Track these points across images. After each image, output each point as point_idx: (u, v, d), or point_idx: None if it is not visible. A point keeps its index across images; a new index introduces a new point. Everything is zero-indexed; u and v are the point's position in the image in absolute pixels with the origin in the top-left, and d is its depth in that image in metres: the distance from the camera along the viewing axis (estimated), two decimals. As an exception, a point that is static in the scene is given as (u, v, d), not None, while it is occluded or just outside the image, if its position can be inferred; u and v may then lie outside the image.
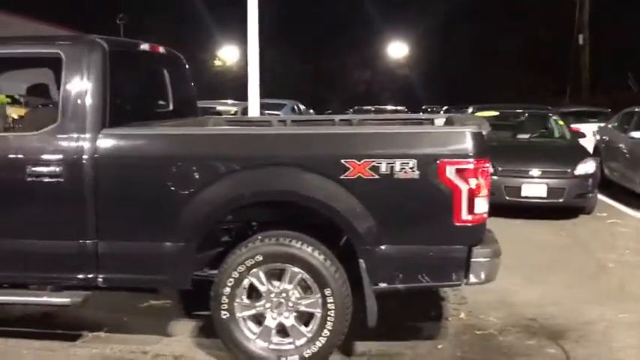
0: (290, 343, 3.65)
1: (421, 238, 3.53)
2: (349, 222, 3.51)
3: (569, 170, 8.20)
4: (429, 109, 31.56)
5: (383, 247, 3.52)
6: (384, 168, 3.45)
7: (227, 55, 51.48)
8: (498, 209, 8.42)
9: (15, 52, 3.98)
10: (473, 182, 3.43)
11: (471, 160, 3.43)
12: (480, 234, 3.57)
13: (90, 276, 3.73)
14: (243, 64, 50.77)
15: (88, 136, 3.67)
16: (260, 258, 3.60)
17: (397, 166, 3.44)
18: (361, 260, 3.53)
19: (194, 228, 3.60)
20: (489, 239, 3.76)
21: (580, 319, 4.58)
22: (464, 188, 3.43)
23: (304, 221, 3.72)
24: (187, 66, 5.14)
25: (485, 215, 3.57)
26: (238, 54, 51.39)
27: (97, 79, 3.74)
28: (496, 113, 10.25)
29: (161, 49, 4.65)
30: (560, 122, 9.92)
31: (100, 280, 3.74)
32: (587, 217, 8.56)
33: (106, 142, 3.65)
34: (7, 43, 4.01)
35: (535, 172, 8.21)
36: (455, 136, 3.51)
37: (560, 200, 8.13)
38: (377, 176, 3.46)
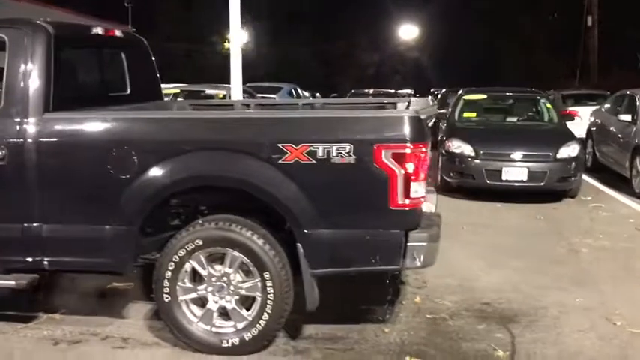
0: (232, 327, 3.68)
1: (358, 222, 3.53)
2: (286, 206, 3.52)
3: (550, 154, 8.14)
4: (437, 93, 31.31)
5: (320, 231, 3.52)
6: (320, 152, 3.44)
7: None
8: (479, 193, 8.47)
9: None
10: (409, 167, 3.41)
11: (408, 144, 3.41)
12: (416, 218, 3.56)
13: (36, 259, 3.77)
14: (251, 47, 50.84)
15: (30, 120, 3.69)
16: (200, 242, 3.62)
17: (334, 151, 3.43)
18: (299, 244, 3.54)
19: (134, 212, 3.62)
20: (431, 223, 3.76)
21: (536, 304, 4.57)
22: (400, 173, 3.41)
23: (253, 205, 3.73)
24: (149, 49, 5.14)
25: (423, 200, 3.55)
26: (247, 36, 51.39)
27: (39, 63, 3.75)
28: (484, 96, 10.17)
29: (117, 33, 4.64)
30: (549, 105, 9.82)
31: (46, 262, 3.79)
32: (570, 201, 8.52)
33: (46, 126, 3.68)
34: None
35: (516, 155, 8.17)
36: (391, 121, 3.49)
37: (541, 184, 8.08)
38: (314, 161, 3.45)
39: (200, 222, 3.67)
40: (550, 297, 4.71)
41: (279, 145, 3.46)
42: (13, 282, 3.78)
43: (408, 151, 3.41)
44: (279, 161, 3.47)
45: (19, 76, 3.74)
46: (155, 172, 3.57)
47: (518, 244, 6.27)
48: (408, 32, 52.95)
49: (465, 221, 7.22)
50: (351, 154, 3.43)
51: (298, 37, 49.39)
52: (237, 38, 8.55)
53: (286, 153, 3.46)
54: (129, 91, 4.81)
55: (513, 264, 5.57)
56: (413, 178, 3.44)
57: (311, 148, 3.44)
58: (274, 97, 15.63)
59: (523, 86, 12.24)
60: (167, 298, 3.68)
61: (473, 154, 8.27)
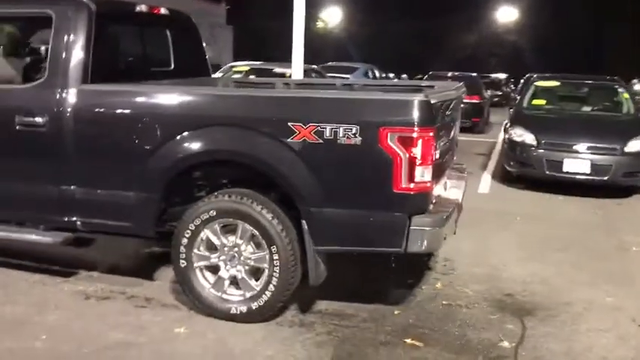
0: (240, 295, 3.85)
1: (362, 203, 3.58)
2: (292, 184, 3.62)
3: (618, 147, 7.73)
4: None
5: (325, 209, 3.60)
6: (328, 133, 3.51)
7: (329, 16, 51.87)
8: (541, 184, 8.19)
9: (8, 11, 4.34)
10: (414, 151, 3.41)
11: (414, 128, 3.41)
12: (421, 203, 3.55)
13: (70, 219, 4.10)
14: (345, 26, 50.77)
15: (69, 90, 3.98)
16: (214, 213, 3.80)
17: (340, 132, 3.48)
18: (304, 221, 3.64)
19: (154, 181, 3.85)
20: (442, 210, 3.74)
21: (560, 299, 4.43)
22: (404, 156, 3.42)
23: (267, 182, 3.84)
24: (196, 27, 5.36)
25: (429, 185, 3.54)
26: (341, 15, 51.44)
27: (81, 38, 4.03)
28: (557, 83, 9.74)
29: (162, 11, 4.87)
30: (626, 96, 9.26)
31: (79, 223, 4.11)
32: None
33: (83, 97, 3.96)
34: (2, 2, 4.37)
35: (580, 146, 7.81)
36: (398, 104, 3.49)
37: (605, 178, 7.69)
38: (321, 140, 3.52)
39: (215, 194, 3.85)
40: (579, 293, 4.56)
41: (289, 124, 3.55)
42: (50, 239, 4.13)
43: (413, 134, 3.41)
44: (288, 139, 3.57)
45: (62, 50, 4.04)
46: (174, 144, 3.77)
47: (566, 238, 6.04)
48: (506, 14, 50.99)
49: (520, 212, 7.05)
50: (357, 135, 3.47)
51: (392, 17, 48.85)
52: (300, 17, 8.64)
53: (295, 132, 3.55)
54: (172, 66, 5.06)
55: (554, 257, 5.41)
56: (418, 162, 3.44)
57: (319, 128, 3.51)
58: (348, 77, 15.68)
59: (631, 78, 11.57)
60: (183, 263, 3.90)
61: (534, 142, 7.99)
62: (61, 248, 4.43)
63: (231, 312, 3.83)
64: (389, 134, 3.42)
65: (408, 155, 3.42)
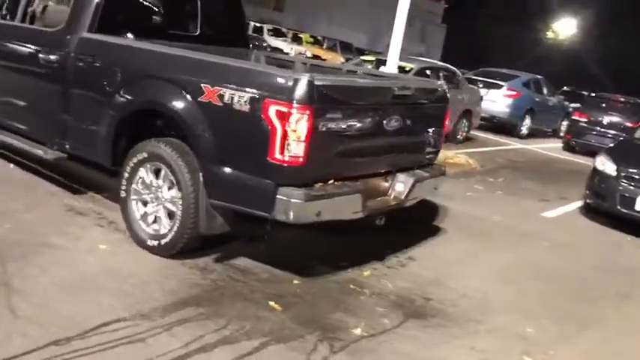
0: (156, 231, 4.40)
1: (244, 166, 3.90)
2: (197, 139, 4.05)
3: None
4: None
5: (216, 167, 3.99)
6: (226, 97, 3.88)
7: (561, 27, 49.40)
8: (615, 219, 7.39)
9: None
10: (288, 125, 3.64)
11: (290, 104, 3.63)
12: (290, 175, 3.77)
13: (62, 142, 4.98)
14: (577, 40, 47.57)
15: (75, 36, 4.83)
16: (145, 155, 4.38)
17: (235, 98, 3.84)
18: (200, 174, 4.06)
19: (110, 121, 4.53)
20: (330, 190, 3.90)
21: (476, 318, 4.27)
22: (279, 129, 3.67)
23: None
24: (237, 1, 5.91)
25: (301, 159, 3.72)
26: (575, 28, 48.33)
27: (92, -5, 4.84)
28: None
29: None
30: None
31: (68, 146, 4.97)
32: None
33: (81, 43, 4.78)
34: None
35: (659, 185, 6.90)
36: (281, 79, 3.73)
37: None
38: (221, 104, 3.91)
39: (150, 140, 4.42)
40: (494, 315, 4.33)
41: (201, 85, 3.99)
42: (49, 156, 5.04)
43: (288, 110, 3.64)
44: (199, 98, 4.00)
45: (80, 2, 4.90)
46: (123, 92, 4.42)
47: (572, 275, 5.58)
48: None
49: (559, 240, 6.56)
50: (247, 103, 3.79)
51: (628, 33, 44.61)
52: (403, 13, 8.77)
53: (204, 92, 3.97)
54: (198, 32, 5.69)
55: (528, 287, 5.07)
56: (291, 137, 3.67)
57: (221, 92, 3.90)
58: (502, 85, 15.12)
59: None
60: (123, 194, 4.54)
61: (614, 173, 7.23)
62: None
63: (147, 243, 4.39)
64: (270, 106, 3.70)
65: (282, 129, 3.66)
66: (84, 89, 4.77)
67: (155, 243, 4.35)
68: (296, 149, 3.69)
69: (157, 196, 4.39)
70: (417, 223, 6.31)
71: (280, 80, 3.74)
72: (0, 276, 3.74)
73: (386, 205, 4.61)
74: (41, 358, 3.01)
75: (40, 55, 4.99)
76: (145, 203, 4.48)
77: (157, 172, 4.38)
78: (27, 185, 5.50)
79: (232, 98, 3.84)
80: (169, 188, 4.30)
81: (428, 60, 14.46)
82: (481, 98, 13.34)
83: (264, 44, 23.84)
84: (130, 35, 5.00)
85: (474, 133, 14.43)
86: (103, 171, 5.24)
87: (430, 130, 4.94)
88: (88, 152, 4.84)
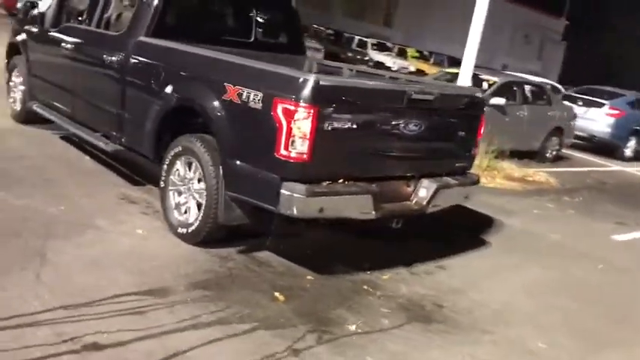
0: (186, 220, 4.70)
1: (256, 161, 4.11)
2: (219, 135, 4.32)
3: None
4: None
5: (234, 161, 4.23)
6: (244, 95, 4.12)
7: None
8: None
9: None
10: (293, 123, 3.81)
11: (297, 103, 3.80)
12: (297, 171, 3.92)
13: (118, 135, 5.46)
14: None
15: (133, 40, 5.29)
16: (180, 149, 4.72)
17: (251, 96, 4.07)
18: (220, 167, 4.31)
19: (155, 117, 4.92)
20: (337, 188, 4.01)
21: (480, 328, 4.18)
22: (285, 126, 3.85)
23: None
24: (292, 10, 6.18)
25: (305, 156, 3.87)
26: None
27: (154, 1, 5.28)
28: None
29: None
30: None
31: (124, 140, 5.44)
32: None
33: (136, 46, 5.23)
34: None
35: None
36: (289, 79, 3.91)
37: None
38: (239, 102, 4.15)
39: (186, 135, 4.74)
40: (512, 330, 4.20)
41: (224, 84, 4.26)
42: (102, 144, 5.55)
43: (294, 108, 3.81)
44: (222, 97, 4.27)
45: (140, 8, 5.37)
46: (165, 91, 4.79)
47: (614, 299, 5.28)
48: None
49: (625, 268, 6.17)
50: (260, 101, 4.01)
51: None
52: (479, 25, 8.65)
53: (227, 91, 4.24)
54: (252, 39, 6.01)
55: (557, 304, 4.86)
56: (295, 134, 3.84)
57: (240, 91, 4.15)
58: (604, 103, 14.34)
59: None
60: (162, 184, 4.91)
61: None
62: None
63: (178, 231, 4.72)
64: (278, 105, 3.89)
65: (287, 126, 3.84)
66: (136, 88, 5.21)
67: (184, 231, 4.67)
68: (301, 146, 3.85)
69: (189, 188, 4.70)
70: (463, 233, 6.23)
71: (288, 80, 3.93)
72: (39, 247, 4.20)
73: (406, 210, 4.63)
74: (48, 318, 3.38)
75: (105, 57, 5.52)
76: (180, 194, 4.82)
77: (189, 165, 4.71)
78: (93, 175, 6.07)
79: (249, 97, 4.08)
80: (199, 181, 4.60)
81: (516, 75, 14.04)
82: (575, 116, 12.73)
83: (366, 58, 24.14)
84: (183, 41, 5.40)
85: (569, 152, 13.80)
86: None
87: (461, 137, 4.90)
88: (138, 145, 5.27)
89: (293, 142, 3.85)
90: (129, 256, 4.32)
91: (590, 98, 14.44)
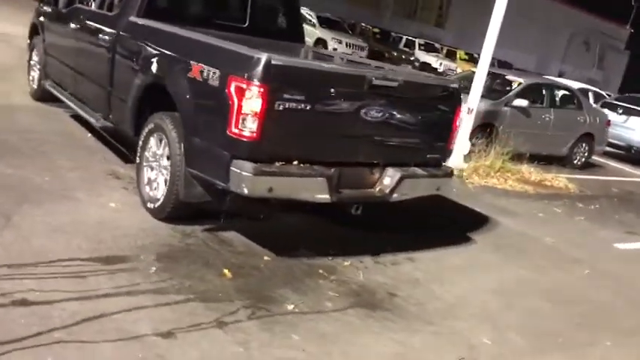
0: (154, 195, 4.82)
1: (211, 137, 4.18)
2: (182, 111, 4.41)
3: None
4: None
5: (194, 138, 4.31)
6: (205, 73, 4.20)
7: None
8: None
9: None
10: (244, 102, 3.86)
11: (249, 81, 3.85)
12: (247, 149, 3.96)
13: (108, 112, 5.63)
14: None
15: (125, 20, 5.46)
16: (152, 126, 4.84)
17: (210, 74, 4.14)
18: (182, 143, 4.40)
19: (134, 94, 5.06)
20: (285, 168, 4.04)
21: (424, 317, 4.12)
22: (237, 104, 3.90)
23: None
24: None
25: (255, 135, 3.91)
26: None
27: (142, -14, 5.44)
28: None
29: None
30: None
31: (111, 117, 5.61)
32: None
33: (127, 25, 5.39)
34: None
35: None
36: (243, 58, 3.97)
37: None
38: (201, 79, 4.23)
39: (159, 113, 4.85)
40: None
41: (190, 62, 4.34)
42: (94, 120, 5.74)
43: (244, 86, 3.86)
44: (188, 74, 4.36)
45: (133, -9, 5.54)
46: (143, 69, 4.92)
47: (591, 302, 5.09)
48: None
49: (613, 274, 5.95)
50: (217, 79, 4.08)
51: None
52: (497, 24, 8.51)
53: (191, 69, 4.33)
54: (247, 24, 6.08)
55: (523, 304, 4.75)
56: (245, 111, 3.89)
57: (201, 68, 4.22)
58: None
59: None
60: (137, 160, 5.06)
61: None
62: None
63: (147, 205, 4.85)
64: (232, 82, 3.94)
65: (238, 104, 3.89)
66: (122, 66, 5.38)
67: (152, 206, 4.79)
68: (251, 124, 3.89)
69: (159, 164, 4.82)
70: (449, 229, 6.14)
71: (242, 58, 3.98)
72: (8, 211, 4.39)
73: (368, 197, 4.60)
74: (-10, 273, 3.55)
75: (100, 36, 5.71)
76: (152, 169, 4.94)
77: (160, 142, 4.82)
78: (90, 151, 6.27)
79: (209, 74, 4.15)
80: (168, 158, 4.71)
81: (545, 77, 13.65)
82: (608, 123, 12.27)
83: (412, 58, 23.94)
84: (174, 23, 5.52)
85: (603, 160, 13.34)
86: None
87: (432, 128, 4.83)
88: (122, 122, 5.43)
89: (244, 120, 3.89)
90: (94, 226, 4.46)
91: (631, 106, 13.89)
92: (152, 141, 4.89)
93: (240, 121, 3.90)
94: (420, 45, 27.24)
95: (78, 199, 4.91)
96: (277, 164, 4.09)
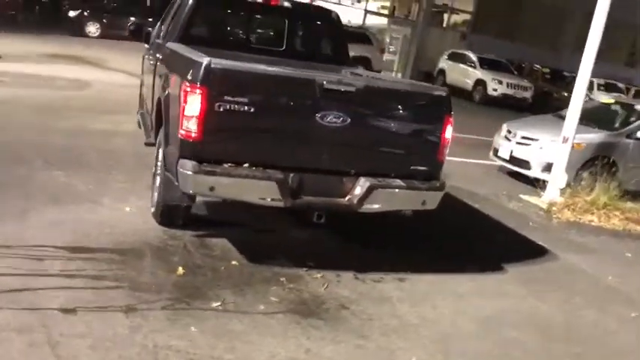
0: (154, 199, 5.16)
1: (172, 140, 4.41)
2: (165, 119, 4.70)
3: None
4: None
5: (166, 141, 4.59)
6: (174, 82, 4.54)
7: None
8: None
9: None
10: (187, 103, 4.05)
11: (191, 84, 4.04)
12: (190, 149, 4.12)
13: (150, 130, 6.17)
14: None
15: (165, 44, 5.99)
16: (160, 136, 5.21)
17: (176, 81, 4.43)
18: (161, 149, 4.71)
19: (153, 107, 5.52)
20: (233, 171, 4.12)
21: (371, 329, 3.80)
22: (182, 106, 4.11)
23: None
24: (335, 23, 6.33)
25: (195, 135, 4.05)
26: None
27: (184, 13, 5.95)
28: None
29: (280, 3, 6.16)
30: None
31: (151, 133, 6.13)
32: None
33: (163, 48, 5.91)
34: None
35: None
36: (190, 63, 4.16)
37: None
38: (173, 88, 4.56)
39: (164, 124, 5.23)
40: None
41: (170, 74, 4.69)
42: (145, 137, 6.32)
43: (189, 89, 4.05)
44: (170, 86, 4.69)
45: (176, 18, 6.09)
46: (160, 85, 5.35)
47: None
48: None
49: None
50: (177, 85, 4.35)
51: None
52: (597, 37, 7.72)
53: (171, 81, 4.65)
54: (284, 47, 6.29)
55: (507, 335, 4.15)
56: (186, 113, 4.08)
57: (174, 78, 4.55)
58: None
59: None
60: (153, 169, 5.46)
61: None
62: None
63: (151, 210, 5.20)
64: (182, 86, 4.17)
65: (183, 105, 4.09)
66: (154, 86, 5.91)
67: (152, 210, 5.14)
68: (192, 125, 4.05)
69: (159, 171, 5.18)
70: (482, 256, 5.60)
71: (190, 63, 4.19)
72: (30, 207, 5.01)
73: (332, 205, 4.43)
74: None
75: (152, 60, 6.35)
76: (157, 176, 5.30)
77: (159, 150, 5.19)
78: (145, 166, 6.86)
79: (175, 82, 4.45)
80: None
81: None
82: None
83: (586, 100, 22.04)
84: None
85: None
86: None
87: (415, 138, 4.53)
88: (150, 136, 5.92)
89: (188, 121, 4.07)
90: (93, 224, 4.90)
91: None
92: (160, 151, 5.28)
93: (185, 122, 4.09)
94: (599, 85, 24.96)
95: (101, 203, 5.43)
96: (225, 165, 4.18)
